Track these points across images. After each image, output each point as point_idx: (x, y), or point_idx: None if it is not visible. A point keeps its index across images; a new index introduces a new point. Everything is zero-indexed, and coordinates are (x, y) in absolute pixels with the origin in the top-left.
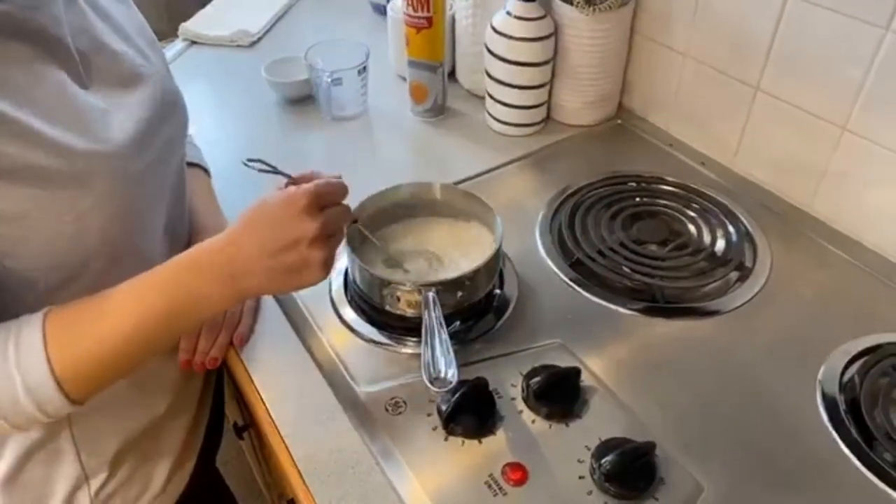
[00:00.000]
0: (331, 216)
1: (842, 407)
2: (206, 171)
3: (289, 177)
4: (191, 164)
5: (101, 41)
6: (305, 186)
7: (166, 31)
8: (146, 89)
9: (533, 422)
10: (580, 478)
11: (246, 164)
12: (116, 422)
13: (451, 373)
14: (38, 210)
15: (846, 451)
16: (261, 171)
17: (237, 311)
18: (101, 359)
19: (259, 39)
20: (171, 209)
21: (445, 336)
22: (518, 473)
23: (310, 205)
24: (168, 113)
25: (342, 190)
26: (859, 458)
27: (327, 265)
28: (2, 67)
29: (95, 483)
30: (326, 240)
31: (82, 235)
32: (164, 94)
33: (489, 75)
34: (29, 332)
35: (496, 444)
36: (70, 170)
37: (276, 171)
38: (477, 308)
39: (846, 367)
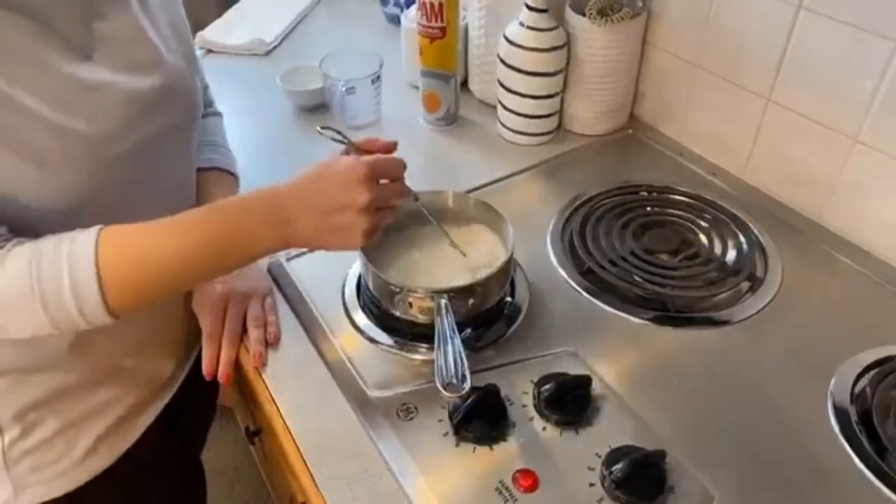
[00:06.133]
0: (385, 191)
1: (853, 418)
2: (235, 177)
3: (352, 144)
4: (221, 170)
5: (125, 24)
6: (367, 158)
7: None
8: (156, 79)
9: (544, 429)
10: (590, 485)
11: (319, 132)
12: (39, 382)
13: (463, 379)
14: None
15: (858, 462)
16: (333, 139)
17: (260, 311)
18: (147, 271)
19: (274, 48)
20: (169, 201)
21: (458, 342)
22: (529, 480)
23: (367, 176)
24: (168, 106)
25: (400, 166)
26: (871, 470)
27: (369, 234)
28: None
29: (9, 436)
30: (375, 211)
31: (16, 201)
32: (173, 88)
33: (501, 85)
34: (84, 237)
35: (507, 451)
36: (22, 135)
37: (342, 141)
38: (488, 315)
39: (858, 378)
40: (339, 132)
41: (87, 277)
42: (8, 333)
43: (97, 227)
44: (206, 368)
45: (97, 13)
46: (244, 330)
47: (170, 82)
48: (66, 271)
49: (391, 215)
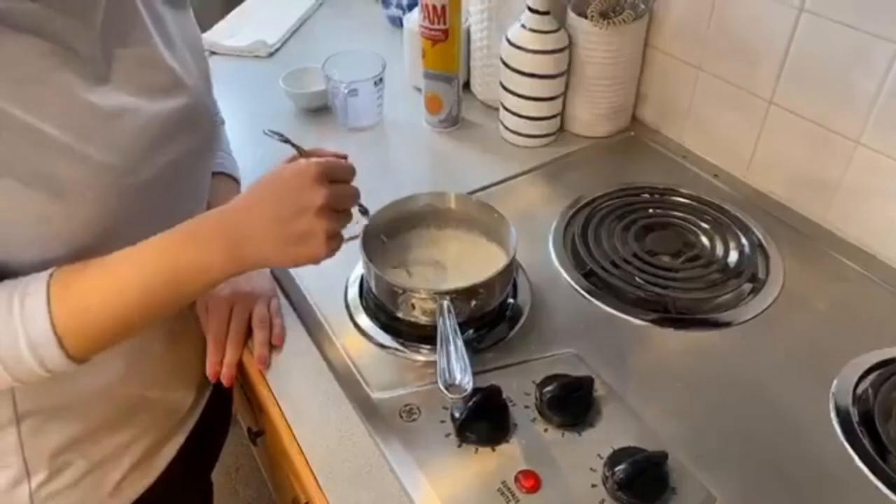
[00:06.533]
0: (339, 191)
1: (855, 420)
2: (238, 182)
3: (300, 149)
4: (225, 175)
5: (141, 46)
6: (316, 159)
7: None
8: (173, 103)
9: (546, 430)
10: (592, 486)
11: (266, 134)
12: (66, 423)
13: (466, 379)
14: None
15: (860, 463)
16: (281, 140)
17: (266, 314)
18: (104, 320)
19: (277, 50)
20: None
21: (460, 343)
22: (531, 481)
23: (320, 174)
24: (188, 131)
25: (350, 170)
26: (873, 472)
27: (333, 240)
28: (8, 61)
29: (36, 480)
30: (334, 213)
31: (42, 238)
32: (192, 111)
33: (503, 87)
34: (34, 289)
35: (509, 452)
36: (44, 168)
37: (289, 143)
38: (490, 317)
39: (859, 380)
40: (286, 137)
41: (45, 337)
42: None
43: (47, 275)
44: (209, 370)
45: (115, 36)
46: (249, 332)
47: (189, 105)
48: (20, 332)
49: (347, 220)
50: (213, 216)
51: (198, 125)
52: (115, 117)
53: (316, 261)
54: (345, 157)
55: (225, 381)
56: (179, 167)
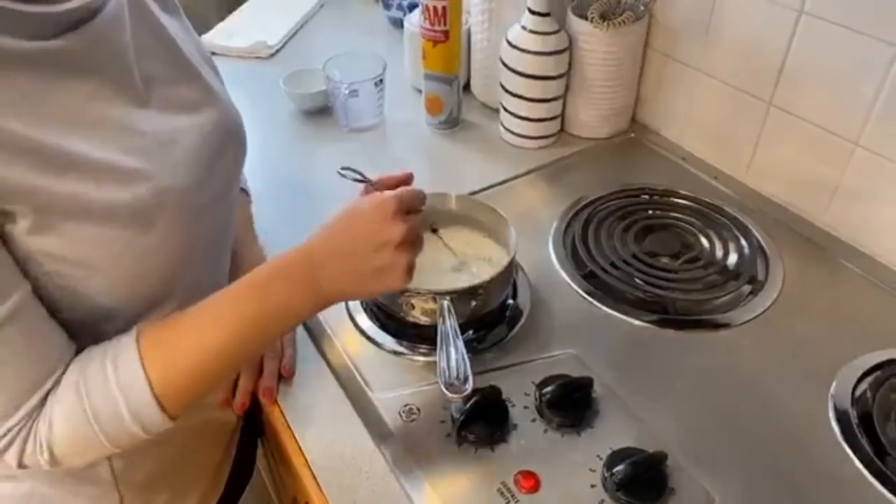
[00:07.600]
0: (415, 222)
1: (854, 421)
2: (247, 193)
3: (371, 182)
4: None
5: (168, 66)
6: (392, 193)
7: None
8: (210, 115)
9: (545, 431)
10: (591, 486)
11: (340, 173)
12: (153, 454)
13: (466, 380)
14: (99, 252)
15: (859, 465)
16: (354, 180)
17: (278, 344)
18: (198, 374)
19: (277, 51)
20: (224, 243)
21: (461, 343)
22: (530, 481)
23: (399, 210)
24: (229, 141)
25: (423, 197)
26: (872, 473)
27: (410, 270)
28: (65, 105)
29: None
30: (411, 244)
31: (143, 277)
32: (227, 120)
33: (504, 88)
34: (125, 353)
35: (508, 453)
36: (137, 204)
37: (363, 179)
38: (490, 317)
39: (858, 382)
40: (359, 172)
41: (145, 401)
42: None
43: (133, 337)
44: (221, 394)
45: (145, 57)
46: (262, 359)
47: (221, 113)
48: (120, 399)
49: (420, 248)
50: (298, 256)
51: (233, 132)
52: (173, 142)
53: (395, 291)
54: (411, 176)
55: (236, 409)
56: (228, 178)
